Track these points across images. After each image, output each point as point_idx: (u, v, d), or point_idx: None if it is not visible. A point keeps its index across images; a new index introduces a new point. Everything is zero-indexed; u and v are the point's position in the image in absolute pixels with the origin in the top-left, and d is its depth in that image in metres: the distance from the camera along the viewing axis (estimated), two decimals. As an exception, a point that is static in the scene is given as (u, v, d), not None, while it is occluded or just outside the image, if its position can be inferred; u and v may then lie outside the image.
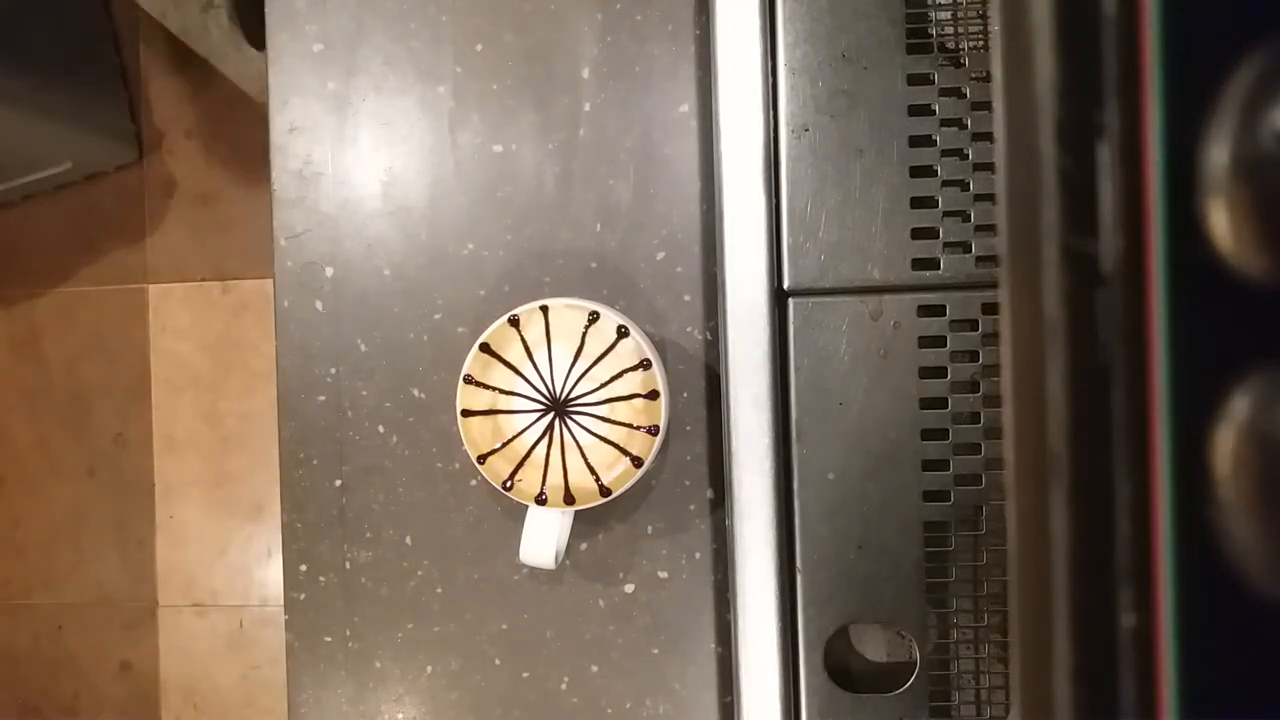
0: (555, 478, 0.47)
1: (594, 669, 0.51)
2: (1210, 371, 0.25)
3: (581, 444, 0.47)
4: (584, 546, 0.51)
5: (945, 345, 0.46)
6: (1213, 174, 0.24)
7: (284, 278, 0.52)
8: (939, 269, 0.45)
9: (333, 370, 0.52)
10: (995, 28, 0.26)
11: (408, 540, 0.52)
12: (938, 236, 0.45)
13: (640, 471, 0.47)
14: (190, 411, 1.49)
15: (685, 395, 0.50)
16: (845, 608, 0.46)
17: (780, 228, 0.46)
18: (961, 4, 0.45)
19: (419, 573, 0.52)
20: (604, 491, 0.47)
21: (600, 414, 0.47)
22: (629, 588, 0.50)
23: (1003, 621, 0.45)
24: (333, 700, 0.52)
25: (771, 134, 0.46)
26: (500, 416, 0.48)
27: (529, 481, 0.48)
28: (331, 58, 0.52)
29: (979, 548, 0.46)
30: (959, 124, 0.45)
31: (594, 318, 0.47)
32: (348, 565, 0.52)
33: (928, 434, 0.46)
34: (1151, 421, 0.24)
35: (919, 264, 0.46)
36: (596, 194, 0.51)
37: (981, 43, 0.45)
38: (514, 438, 0.48)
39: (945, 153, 0.45)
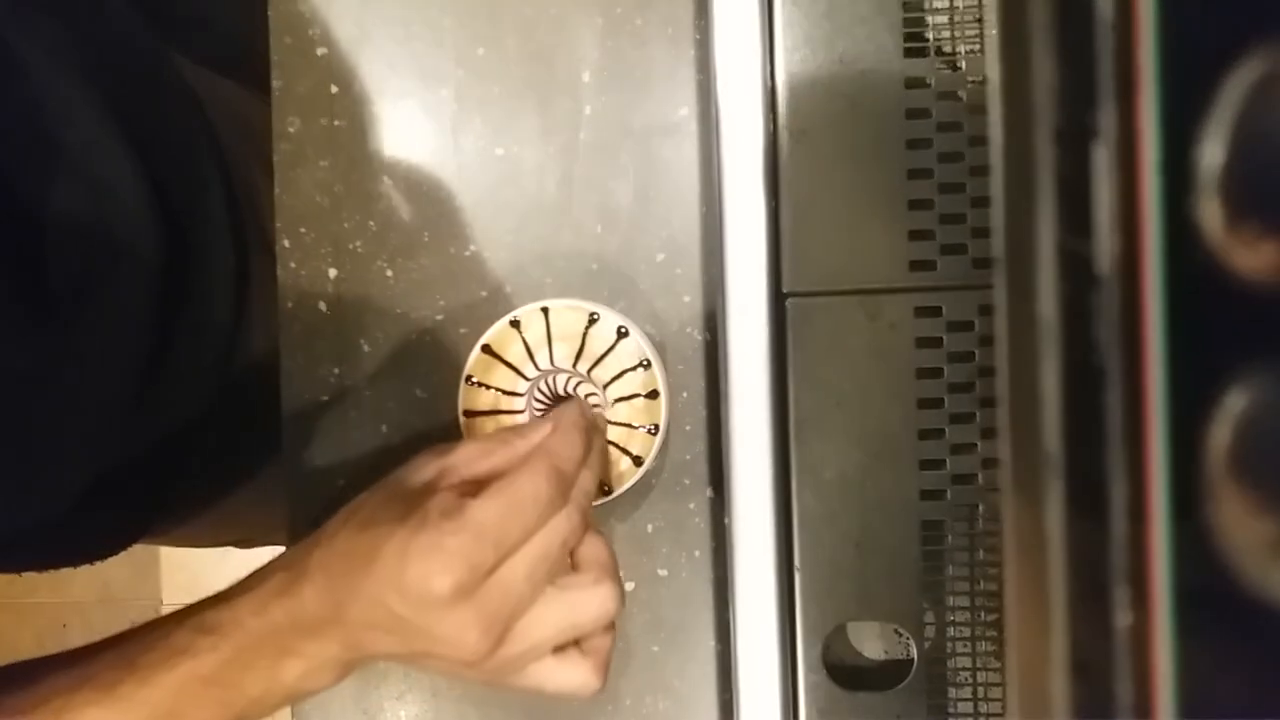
0: (556, 477, 0.48)
1: (594, 667, 0.51)
2: (1205, 371, 0.25)
3: (582, 444, 0.48)
4: (584, 546, 0.51)
5: (942, 346, 0.46)
6: (1207, 175, 0.24)
7: (288, 279, 0.52)
8: (936, 270, 0.46)
9: (335, 371, 0.52)
10: (992, 32, 0.27)
11: (409, 540, 0.52)
12: (935, 238, 0.46)
13: (641, 471, 0.47)
14: (190, 412, 1.49)
15: (685, 395, 0.50)
16: (843, 605, 0.46)
17: (779, 230, 0.46)
18: (958, 8, 0.46)
19: (420, 572, 0.52)
20: (604, 490, 0.47)
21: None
22: (629, 586, 0.51)
23: (1000, 619, 0.46)
24: (335, 698, 0.52)
25: (771, 137, 0.46)
26: (503, 417, 0.48)
27: (530, 481, 0.48)
28: (334, 61, 0.52)
29: (976, 546, 0.46)
30: (956, 127, 0.46)
31: (594, 319, 0.47)
32: (350, 565, 0.52)
33: (925, 434, 0.46)
34: (1146, 421, 0.25)
35: (916, 265, 0.46)
36: (597, 196, 0.51)
37: (978, 46, 0.46)
38: (515, 438, 0.48)
39: (942, 156, 0.46)
